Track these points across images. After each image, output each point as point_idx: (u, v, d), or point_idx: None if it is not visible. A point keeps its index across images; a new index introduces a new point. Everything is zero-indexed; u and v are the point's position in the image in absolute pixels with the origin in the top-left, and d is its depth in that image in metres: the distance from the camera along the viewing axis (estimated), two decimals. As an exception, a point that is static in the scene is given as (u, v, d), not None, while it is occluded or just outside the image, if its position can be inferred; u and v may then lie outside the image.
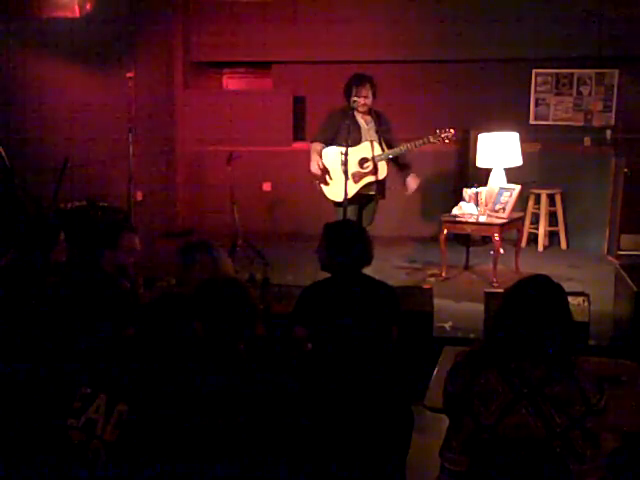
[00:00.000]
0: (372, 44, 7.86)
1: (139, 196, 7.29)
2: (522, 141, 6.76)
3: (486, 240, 6.93)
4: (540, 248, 7.45)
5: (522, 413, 2.13)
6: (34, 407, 2.61)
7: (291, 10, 8.15)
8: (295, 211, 7.99)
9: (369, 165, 5.41)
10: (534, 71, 7.90)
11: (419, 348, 4.22)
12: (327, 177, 5.45)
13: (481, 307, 4.23)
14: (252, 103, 8.35)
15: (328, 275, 3.32)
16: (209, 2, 8.36)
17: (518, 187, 6.23)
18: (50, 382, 2.73)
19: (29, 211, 5.21)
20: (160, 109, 8.15)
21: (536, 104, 7.95)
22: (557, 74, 7.87)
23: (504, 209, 6.15)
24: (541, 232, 7.45)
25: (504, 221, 6.11)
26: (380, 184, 5.56)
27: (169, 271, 4.93)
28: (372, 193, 5.53)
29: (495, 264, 6.05)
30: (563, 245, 7.57)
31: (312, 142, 5.58)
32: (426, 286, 5.20)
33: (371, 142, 5.42)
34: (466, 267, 6.67)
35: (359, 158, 5.41)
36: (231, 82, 9.06)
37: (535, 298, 2.23)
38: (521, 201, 6.77)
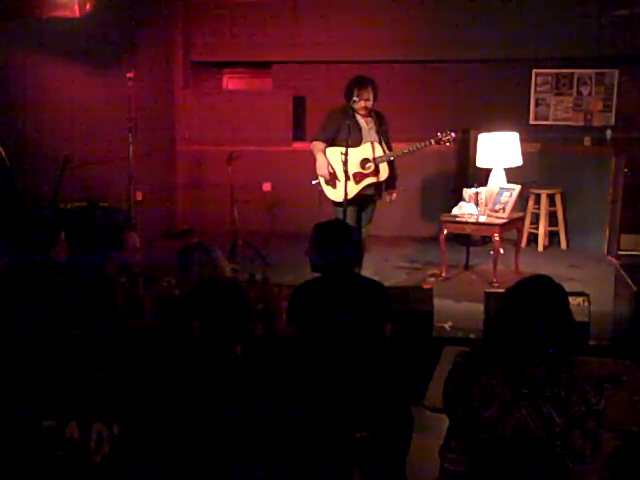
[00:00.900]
0: (372, 44, 7.86)
1: (139, 196, 7.28)
2: (522, 141, 6.76)
3: (486, 240, 6.94)
4: (540, 248, 7.45)
5: (522, 413, 2.13)
6: (33, 408, 2.61)
7: (291, 10, 8.15)
8: (295, 211, 7.99)
9: (370, 166, 5.43)
10: (534, 71, 7.90)
11: (419, 348, 4.22)
12: (336, 180, 5.45)
13: (481, 307, 4.23)
14: (252, 103, 8.36)
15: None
16: (209, 2, 8.36)
17: (518, 187, 6.23)
18: (47, 384, 2.73)
19: (29, 211, 5.20)
20: (160, 109, 8.15)
21: (536, 104, 7.95)
22: (557, 74, 7.87)
23: (504, 209, 6.15)
24: (541, 232, 7.45)
25: (504, 221, 6.11)
26: (379, 185, 5.57)
27: (169, 271, 4.94)
28: (371, 194, 5.55)
29: (495, 264, 6.05)
30: (563, 245, 7.57)
31: (313, 141, 5.58)
32: (426, 286, 5.20)
33: (372, 143, 5.43)
34: (466, 267, 6.67)
35: (360, 159, 5.43)
36: (231, 82, 9.06)
37: (536, 299, 2.22)
38: (521, 201, 6.77)
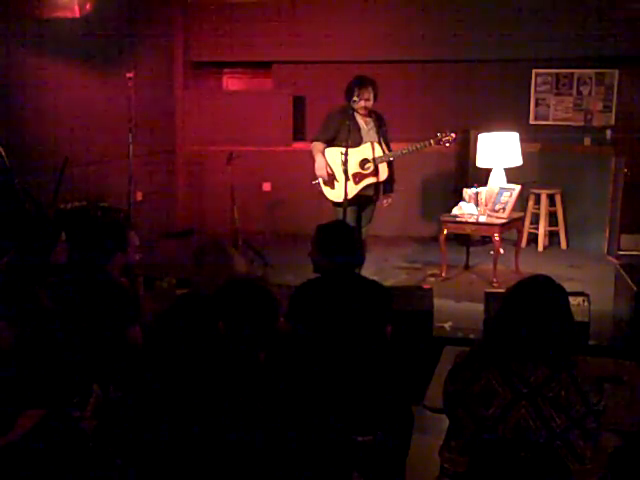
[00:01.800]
0: (372, 44, 7.86)
1: (139, 196, 7.29)
2: (522, 141, 6.76)
3: (486, 240, 6.93)
4: (540, 248, 7.45)
5: (522, 413, 2.13)
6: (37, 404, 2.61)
7: (291, 10, 8.15)
8: (295, 211, 8.00)
9: (370, 166, 5.43)
10: (534, 71, 7.90)
11: (419, 348, 4.22)
12: (334, 181, 5.45)
13: (481, 307, 4.23)
14: (252, 103, 8.35)
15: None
16: (209, 2, 8.36)
17: (518, 187, 6.23)
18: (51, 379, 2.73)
19: (29, 211, 5.20)
20: (160, 109, 8.15)
21: (536, 104, 7.95)
22: (557, 74, 7.87)
23: (504, 209, 6.15)
24: (541, 232, 7.45)
25: (504, 221, 6.11)
26: (378, 185, 5.58)
27: (169, 271, 4.94)
28: (370, 194, 5.55)
29: (495, 264, 6.05)
30: (563, 245, 7.57)
31: (313, 141, 5.58)
32: (426, 286, 5.20)
33: (372, 143, 5.44)
34: (466, 267, 6.67)
35: (360, 159, 5.43)
36: (231, 82, 9.06)
37: (536, 299, 2.22)
38: (521, 201, 6.77)
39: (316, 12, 8.08)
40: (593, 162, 7.40)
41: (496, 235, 6.01)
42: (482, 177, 6.72)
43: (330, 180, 5.46)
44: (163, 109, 8.24)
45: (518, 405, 2.14)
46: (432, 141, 5.53)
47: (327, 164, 5.43)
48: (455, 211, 6.31)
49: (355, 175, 5.43)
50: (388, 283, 5.50)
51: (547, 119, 7.93)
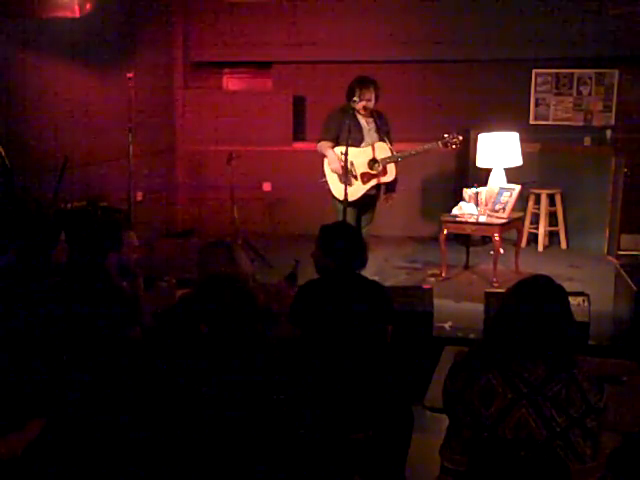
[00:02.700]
0: (372, 44, 7.86)
1: (139, 196, 7.28)
2: (522, 141, 6.76)
3: (486, 240, 6.93)
4: (540, 248, 7.45)
5: (522, 412, 2.13)
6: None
7: (291, 10, 8.15)
8: (295, 211, 8.00)
9: (378, 166, 5.42)
10: (534, 71, 7.90)
11: (419, 348, 4.22)
12: (351, 176, 5.39)
13: (481, 307, 4.24)
14: (252, 103, 8.35)
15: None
16: (209, 2, 8.36)
17: (518, 187, 6.23)
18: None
19: (29, 211, 5.20)
20: (160, 109, 8.15)
21: (536, 104, 7.95)
22: (557, 74, 7.87)
23: (504, 209, 6.15)
24: (541, 232, 7.45)
25: (504, 221, 6.11)
26: (381, 186, 5.56)
27: (169, 271, 4.93)
28: (374, 194, 5.54)
29: (495, 264, 6.05)
30: (563, 245, 7.57)
31: (319, 142, 5.55)
32: (426, 286, 5.20)
33: (374, 143, 5.41)
34: (466, 267, 6.67)
35: (368, 159, 5.42)
36: (231, 82, 9.06)
37: (536, 299, 2.21)
38: (521, 201, 6.77)
39: (316, 12, 8.08)
40: (593, 162, 7.40)
41: (496, 235, 6.01)
42: (482, 177, 6.72)
43: (345, 175, 5.37)
44: (163, 109, 8.25)
45: (518, 405, 2.13)
46: (440, 143, 5.53)
47: (339, 159, 5.38)
48: (455, 211, 6.31)
49: (363, 175, 5.42)
50: (388, 283, 5.49)
51: (547, 119, 7.93)
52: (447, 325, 5.02)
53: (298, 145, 8.20)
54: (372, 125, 5.48)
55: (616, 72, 7.66)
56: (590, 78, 7.76)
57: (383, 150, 5.45)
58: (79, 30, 6.56)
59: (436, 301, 4.83)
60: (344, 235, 3.34)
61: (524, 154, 6.75)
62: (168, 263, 6.53)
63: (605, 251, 7.18)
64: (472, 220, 6.17)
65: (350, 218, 5.27)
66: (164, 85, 8.26)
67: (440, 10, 7.75)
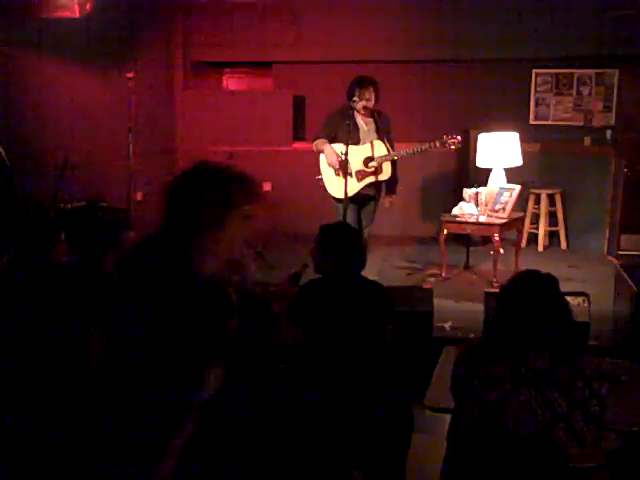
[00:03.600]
0: (372, 44, 7.85)
1: (139, 196, 7.28)
2: (522, 141, 6.76)
3: (486, 240, 6.93)
4: (540, 248, 7.45)
5: (526, 396, 2.18)
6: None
7: (291, 10, 8.15)
8: (295, 211, 7.99)
9: (374, 164, 5.41)
10: (534, 71, 7.89)
11: (419, 348, 4.22)
12: (337, 176, 5.41)
13: (481, 307, 4.23)
14: (252, 103, 8.35)
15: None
16: (209, 2, 8.36)
17: (518, 187, 6.23)
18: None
19: (29, 211, 5.20)
20: (160, 109, 8.14)
21: (536, 104, 7.95)
22: (557, 74, 7.86)
23: (504, 209, 6.15)
24: (541, 232, 7.44)
25: (504, 221, 6.11)
26: (379, 185, 5.57)
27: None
28: (372, 194, 5.55)
29: (495, 264, 6.05)
30: (563, 245, 7.57)
31: (315, 140, 5.55)
32: (426, 286, 5.20)
33: (371, 142, 5.43)
34: (466, 267, 6.67)
35: (364, 157, 5.42)
36: (231, 82, 9.05)
37: (528, 291, 2.31)
38: (521, 201, 6.77)
39: (316, 12, 8.08)
40: (593, 162, 7.40)
41: (496, 235, 6.01)
42: (482, 177, 6.72)
43: (343, 168, 5.34)
44: (163, 109, 8.24)
45: (522, 388, 2.19)
46: (437, 143, 5.50)
47: (336, 154, 5.38)
48: (455, 211, 6.31)
49: (358, 172, 5.42)
50: (388, 283, 5.48)
51: (547, 119, 7.93)
52: (447, 325, 5.01)
53: (298, 145, 8.19)
54: (371, 125, 5.48)
55: (616, 72, 7.65)
56: (590, 78, 7.76)
57: (380, 148, 5.43)
58: (79, 30, 6.57)
59: (436, 301, 4.82)
60: (343, 236, 3.34)
61: (524, 154, 6.75)
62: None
63: (605, 251, 7.17)
64: (472, 220, 6.17)
65: (350, 217, 5.27)
66: (164, 85, 8.25)
67: (440, 10, 7.74)
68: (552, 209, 7.47)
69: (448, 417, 2.45)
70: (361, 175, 5.42)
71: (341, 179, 5.38)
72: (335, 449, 3.00)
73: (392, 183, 5.62)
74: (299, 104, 8.38)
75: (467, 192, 6.35)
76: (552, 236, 7.63)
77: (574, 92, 7.82)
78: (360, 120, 5.45)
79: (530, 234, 7.54)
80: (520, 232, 6.66)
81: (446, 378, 2.51)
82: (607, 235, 7.23)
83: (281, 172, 8.14)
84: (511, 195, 6.18)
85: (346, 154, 5.15)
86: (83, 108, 6.74)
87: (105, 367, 2.43)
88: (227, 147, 7.36)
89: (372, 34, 7.86)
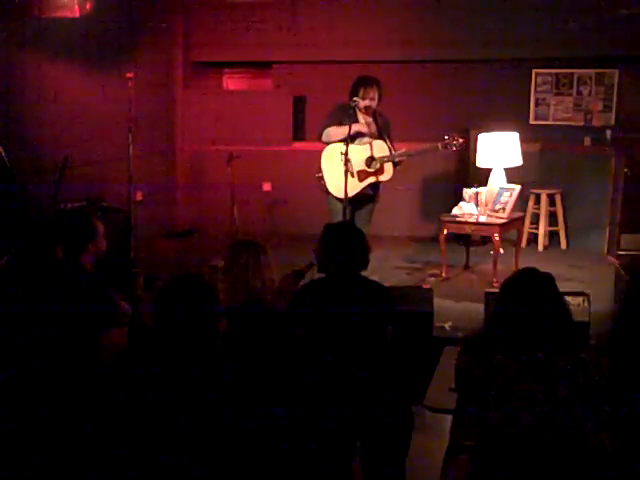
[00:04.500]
0: (372, 44, 7.86)
1: (139, 196, 7.28)
2: (522, 141, 6.76)
3: (486, 240, 6.93)
4: (540, 248, 7.45)
5: (528, 384, 2.22)
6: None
7: (291, 10, 8.15)
8: (295, 211, 8.00)
9: (376, 164, 5.38)
10: (534, 71, 7.90)
11: (419, 348, 4.22)
12: (348, 172, 5.36)
13: (481, 307, 4.22)
14: (252, 103, 8.35)
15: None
16: (209, 2, 8.36)
17: (518, 187, 6.23)
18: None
19: (29, 211, 5.20)
20: (160, 109, 8.15)
21: (536, 104, 7.95)
22: (557, 74, 7.87)
23: (504, 209, 6.15)
24: (541, 232, 7.45)
25: (504, 221, 6.11)
26: (378, 185, 5.53)
27: (169, 271, 4.94)
28: (370, 194, 5.50)
29: (495, 264, 6.05)
30: (563, 245, 7.57)
31: (324, 130, 5.43)
32: (426, 286, 5.20)
33: (371, 142, 5.38)
34: (466, 267, 6.67)
35: (366, 157, 5.39)
36: (231, 82, 9.06)
37: (527, 287, 2.36)
38: (521, 201, 6.77)
39: (316, 12, 8.08)
40: (593, 162, 7.40)
41: (496, 235, 6.01)
42: (482, 177, 6.72)
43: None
44: (163, 109, 8.25)
45: (524, 377, 2.23)
46: (439, 145, 5.45)
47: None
48: (455, 211, 6.31)
49: (360, 172, 5.39)
50: (388, 283, 5.48)
51: (547, 119, 7.93)
52: (447, 325, 5.01)
53: (298, 145, 8.19)
54: (372, 125, 5.45)
55: (616, 72, 7.65)
56: (590, 78, 7.76)
57: (381, 149, 5.40)
58: (79, 30, 6.56)
59: (436, 301, 4.82)
60: (345, 235, 3.33)
61: (524, 154, 6.75)
62: (168, 263, 6.54)
63: (605, 251, 7.17)
64: (472, 220, 6.17)
65: (343, 216, 5.23)
66: (164, 85, 8.26)
67: (440, 10, 7.75)
68: (552, 209, 7.47)
69: (448, 417, 2.45)
70: (363, 175, 5.40)
71: (343, 178, 5.36)
72: (335, 448, 3.00)
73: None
74: (299, 104, 8.38)
75: (467, 192, 6.35)
76: (552, 236, 7.63)
77: (574, 92, 7.83)
78: (362, 119, 5.43)
79: (530, 234, 7.55)
80: (520, 232, 6.67)
81: (446, 378, 2.52)
82: (607, 235, 7.22)
83: (281, 172, 8.15)
84: (511, 195, 6.18)
85: (346, 154, 5.11)
86: (83, 108, 6.73)
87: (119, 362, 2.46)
88: (227, 147, 7.35)
89: (372, 34, 7.87)
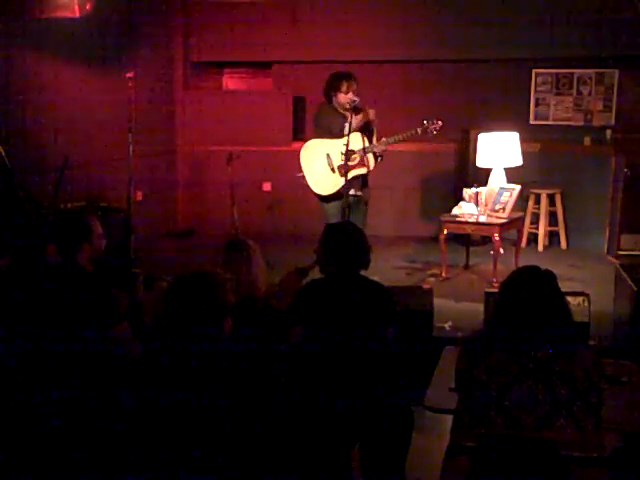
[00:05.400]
0: (372, 44, 7.86)
1: (139, 196, 7.28)
2: (522, 141, 6.76)
3: (486, 240, 6.93)
4: (540, 248, 7.45)
5: (528, 384, 2.23)
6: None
7: (291, 10, 8.15)
8: (295, 211, 7.99)
9: (355, 157, 5.22)
10: (534, 71, 7.90)
11: (419, 348, 4.22)
12: (329, 169, 5.30)
13: (481, 307, 4.23)
14: (252, 103, 8.35)
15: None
16: (209, 2, 8.36)
17: (518, 187, 6.23)
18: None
19: (29, 211, 5.20)
20: (160, 109, 8.14)
21: (536, 104, 7.95)
22: (557, 74, 7.87)
23: (504, 209, 6.15)
24: (541, 232, 7.45)
25: (504, 221, 6.11)
26: (364, 183, 5.38)
27: (169, 271, 4.93)
28: (359, 195, 5.31)
29: (495, 264, 6.05)
30: (563, 245, 7.57)
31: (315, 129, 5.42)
32: (426, 286, 5.19)
33: (347, 136, 5.12)
34: (466, 267, 6.67)
35: (344, 151, 5.24)
36: (231, 82, 9.05)
37: (527, 289, 2.36)
38: (521, 201, 6.77)
39: (316, 12, 8.08)
40: (593, 162, 7.40)
41: (496, 235, 6.01)
42: (482, 177, 6.72)
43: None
44: (163, 109, 8.24)
45: (525, 377, 2.24)
46: (419, 130, 5.33)
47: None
48: (455, 211, 6.31)
49: (341, 167, 5.22)
50: (388, 283, 5.47)
51: (547, 119, 7.93)
52: (447, 325, 5.01)
53: (298, 145, 8.15)
54: (353, 119, 5.21)
55: (616, 72, 7.65)
56: (590, 78, 7.76)
57: (357, 141, 5.22)
58: (79, 30, 6.57)
59: (436, 301, 4.82)
60: (347, 236, 3.32)
61: (524, 154, 6.75)
62: (168, 263, 6.53)
63: (605, 251, 7.17)
64: (472, 220, 6.17)
65: (332, 215, 5.17)
66: (164, 85, 8.25)
67: (440, 10, 7.74)
68: (552, 209, 7.47)
69: (448, 417, 2.45)
70: (343, 170, 5.19)
71: (325, 175, 5.28)
72: (335, 447, 3.00)
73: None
74: (299, 104, 8.38)
75: (467, 192, 6.35)
76: (552, 236, 7.63)
77: (574, 92, 7.83)
78: (344, 114, 5.26)
79: (530, 234, 7.54)
80: (520, 232, 6.66)
81: (446, 378, 2.52)
82: (607, 235, 7.22)
83: (281, 172, 8.13)
84: (511, 195, 6.18)
85: (346, 153, 5.04)
86: (83, 108, 6.73)
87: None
88: (227, 147, 7.35)
89: (372, 34, 7.87)
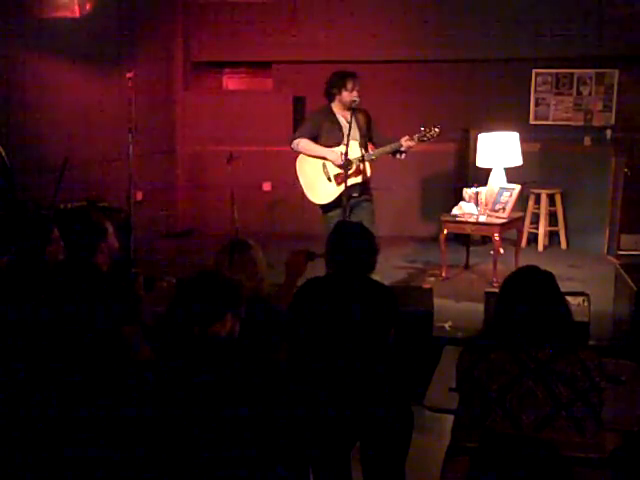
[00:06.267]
0: (372, 44, 7.86)
1: (139, 196, 7.28)
2: (522, 141, 6.76)
3: (486, 240, 6.93)
4: (540, 248, 7.45)
5: (529, 385, 2.23)
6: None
7: (291, 10, 8.15)
8: (295, 211, 7.98)
9: (352, 166, 5.11)
10: (534, 71, 7.90)
11: (419, 348, 4.22)
12: (325, 178, 5.27)
13: (481, 307, 4.22)
14: (252, 103, 8.36)
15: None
16: (209, 2, 8.37)
17: (518, 187, 6.23)
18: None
19: (29, 211, 5.19)
20: (160, 109, 8.15)
21: (536, 104, 7.95)
22: (557, 74, 7.87)
23: (504, 209, 6.15)
24: (541, 232, 7.45)
25: (504, 221, 6.11)
26: (364, 185, 5.28)
27: (169, 271, 4.94)
28: (356, 195, 5.21)
29: (495, 264, 6.05)
30: (563, 245, 7.57)
31: (296, 139, 5.26)
32: (426, 286, 5.20)
33: (346, 144, 5.04)
34: (466, 267, 6.67)
35: (342, 160, 5.15)
36: (231, 82, 9.06)
37: (527, 284, 2.38)
38: (521, 201, 6.77)
39: (316, 12, 8.09)
40: (593, 162, 7.40)
41: (496, 235, 6.01)
42: (482, 177, 6.72)
43: (349, 164, 5.05)
44: (163, 109, 8.25)
45: (525, 378, 2.23)
46: (416, 137, 5.23)
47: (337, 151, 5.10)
48: (455, 211, 6.31)
49: (337, 176, 5.17)
50: (388, 283, 5.48)
51: (547, 119, 7.93)
52: (447, 325, 5.01)
53: (298, 145, 8.18)
54: (353, 123, 5.13)
55: (616, 72, 7.66)
56: (590, 78, 7.76)
57: (355, 149, 5.13)
58: (79, 30, 6.56)
59: (436, 301, 4.82)
60: (356, 234, 3.30)
61: (524, 154, 6.75)
62: (168, 263, 6.54)
63: (605, 251, 7.18)
64: (472, 220, 6.17)
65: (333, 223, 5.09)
66: (164, 85, 8.26)
67: (440, 10, 7.75)
68: (552, 209, 7.47)
69: (448, 417, 2.45)
70: (340, 179, 5.13)
71: (322, 184, 5.21)
72: (335, 447, 3.00)
73: (398, 152, 5.29)
74: (299, 104, 8.38)
75: (467, 192, 6.35)
76: (552, 236, 7.63)
77: (574, 92, 7.83)
78: (341, 119, 5.21)
79: (530, 234, 7.55)
80: (520, 232, 6.67)
81: (446, 378, 2.52)
82: (607, 235, 7.23)
83: (281, 172, 8.12)
84: (511, 195, 6.18)
85: (346, 153, 5.00)
86: (83, 108, 6.73)
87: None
88: (227, 147, 7.35)
89: (372, 34, 7.87)
